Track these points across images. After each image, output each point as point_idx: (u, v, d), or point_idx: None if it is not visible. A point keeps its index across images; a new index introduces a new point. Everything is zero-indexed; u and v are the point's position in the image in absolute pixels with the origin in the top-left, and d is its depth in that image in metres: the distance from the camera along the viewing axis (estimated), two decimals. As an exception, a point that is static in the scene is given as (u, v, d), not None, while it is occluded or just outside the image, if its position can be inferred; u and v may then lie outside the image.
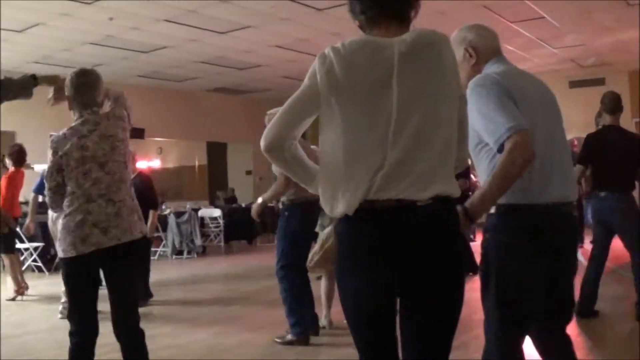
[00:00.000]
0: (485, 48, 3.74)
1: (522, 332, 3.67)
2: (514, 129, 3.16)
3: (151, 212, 9.76)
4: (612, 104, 7.75)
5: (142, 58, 16.10)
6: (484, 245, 3.62)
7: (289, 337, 7.01)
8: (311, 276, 7.39)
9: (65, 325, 4.68)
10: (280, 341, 7.06)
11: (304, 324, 7.04)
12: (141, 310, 4.54)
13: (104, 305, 4.61)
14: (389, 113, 2.77)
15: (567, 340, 3.86)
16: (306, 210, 7.03)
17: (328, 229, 7.43)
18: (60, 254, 4.59)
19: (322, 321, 7.66)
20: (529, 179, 3.36)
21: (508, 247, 3.50)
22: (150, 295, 10.02)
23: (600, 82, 20.32)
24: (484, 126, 3.30)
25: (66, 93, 4.71)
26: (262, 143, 2.92)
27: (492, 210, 3.49)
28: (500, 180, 3.20)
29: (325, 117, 2.87)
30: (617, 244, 7.74)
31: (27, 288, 10.92)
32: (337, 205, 2.83)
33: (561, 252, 3.62)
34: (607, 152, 7.58)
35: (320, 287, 7.70)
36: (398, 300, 2.91)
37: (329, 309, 7.77)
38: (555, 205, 3.50)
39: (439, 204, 2.78)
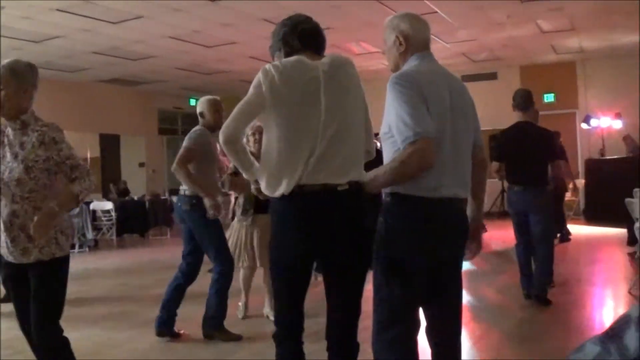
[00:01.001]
0: (416, 40, 3.89)
1: (410, 314, 3.83)
2: (419, 135, 3.46)
3: None
4: (523, 100, 7.98)
5: (34, 48, 15.67)
6: (377, 228, 3.82)
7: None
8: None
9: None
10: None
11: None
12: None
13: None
14: (318, 118, 3.76)
15: (453, 329, 4.02)
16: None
17: (242, 227, 7.46)
18: (63, 252, 4.44)
19: (240, 311, 7.90)
20: (426, 175, 3.60)
21: (397, 232, 3.74)
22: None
23: (492, 76, 20.88)
24: (395, 123, 3.57)
25: (25, 82, 4.39)
26: (222, 136, 3.79)
27: (389, 197, 3.76)
28: (394, 175, 3.62)
29: (269, 120, 3.82)
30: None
31: None
32: (279, 188, 3.76)
33: (446, 243, 3.82)
34: (519, 148, 7.80)
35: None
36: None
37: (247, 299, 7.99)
38: (445, 200, 3.70)
39: (353, 187, 3.80)
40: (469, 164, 3.91)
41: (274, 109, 3.75)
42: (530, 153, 7.80)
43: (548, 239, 8.15)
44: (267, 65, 3.80)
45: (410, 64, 3.85)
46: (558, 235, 13.75)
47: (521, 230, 8.14)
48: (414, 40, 3.88)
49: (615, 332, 1.43)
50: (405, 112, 3.51)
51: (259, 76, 3.79)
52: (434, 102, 3.61)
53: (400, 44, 3.89)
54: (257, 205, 7.39)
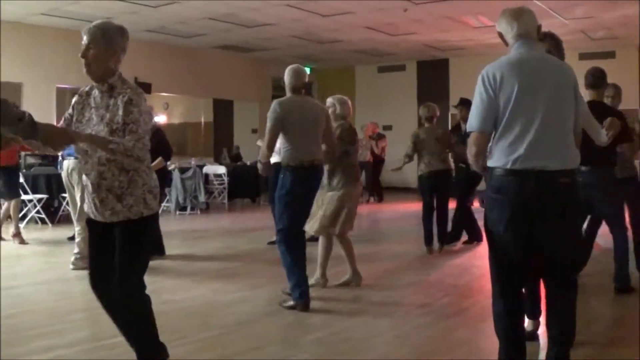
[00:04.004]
0: (511, 36, 4.36)
1: (511, 289, 4.17)
2: (471, 129, 4.19)
3: (159, 160, 9.75)
4: (594, 79, 7.66)
5: (151, 13, 15.91)
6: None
7: (290, 302, 6.92)
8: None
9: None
10: (284, 305, 6.97)
11: (302, 288, 6.89)
12: (150, 264, 4.38)
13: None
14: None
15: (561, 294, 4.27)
16: (300, 174, 6.90)
17: (329, 195, 7.48)
18: (151, 211, 4.49)
19: (313, 280, 7.63)
20: (503, 147, 4.10)
21: (487, 203, 4.23)
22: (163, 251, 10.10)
23: (610, 55, 20.05)
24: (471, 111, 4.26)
25: (114, 44, 4.37)
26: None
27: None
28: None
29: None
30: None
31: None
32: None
33: (532, 216, 4.05)
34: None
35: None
36: None
37: (325, 269, 7.92)
38: (520, 171, 4.03)
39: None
40: (564, 138, 4.17)
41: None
42: None
43: (617, 219, 7.74)
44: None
45: (511, 51, 4.34)
46: None
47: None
48: (508, 36, 4.39)
49: None
50: (475, 102, 4.19)
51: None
52: (509, 84, 4.09)
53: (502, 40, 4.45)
54: (349, 177, 7.75)
